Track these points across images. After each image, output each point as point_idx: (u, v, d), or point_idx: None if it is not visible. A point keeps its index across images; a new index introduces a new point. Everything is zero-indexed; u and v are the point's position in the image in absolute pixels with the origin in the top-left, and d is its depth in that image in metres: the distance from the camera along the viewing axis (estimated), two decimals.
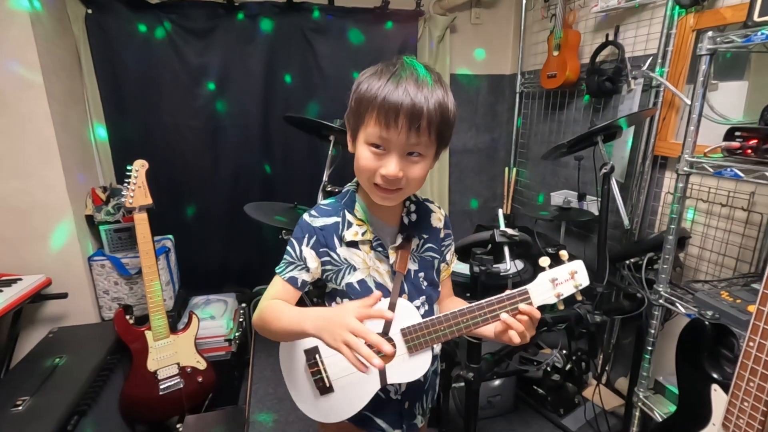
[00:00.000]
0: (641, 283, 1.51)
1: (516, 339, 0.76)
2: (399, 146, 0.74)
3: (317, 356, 0.88)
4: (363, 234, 0.86)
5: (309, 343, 0.88)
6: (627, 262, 1.61)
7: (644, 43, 1.82)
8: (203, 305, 2.30)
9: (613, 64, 1.89)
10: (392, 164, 0.74)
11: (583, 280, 0.77)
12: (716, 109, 1.53)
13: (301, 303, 0.87)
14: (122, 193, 1.74)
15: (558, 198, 2.14)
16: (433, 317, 0.80)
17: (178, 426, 1.81)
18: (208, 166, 2.35)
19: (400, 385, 0.92)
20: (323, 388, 0.89)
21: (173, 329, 1.85)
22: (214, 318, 2.17)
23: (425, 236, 0.92)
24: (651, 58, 1.74)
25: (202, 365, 1.87)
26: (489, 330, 0.83)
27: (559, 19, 2.07)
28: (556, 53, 2.13)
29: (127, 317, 1.76)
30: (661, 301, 1.32)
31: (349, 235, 0.85)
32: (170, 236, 2.28)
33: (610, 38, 1.93)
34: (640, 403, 1.43)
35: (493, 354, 1.49)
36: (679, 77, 1.67)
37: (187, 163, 2.31)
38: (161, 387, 1.78)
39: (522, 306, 0.76)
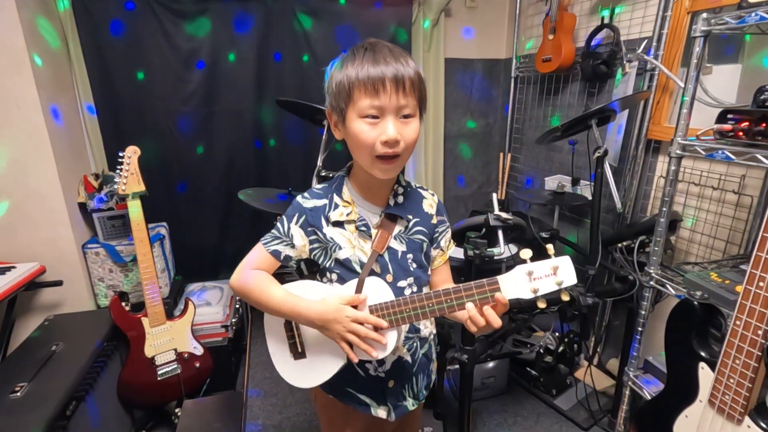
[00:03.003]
0: (633, 265, 1.53)
1: (473, 329, 0.78)
2: (392, 109, 0.78)
3: (293, 322, 0.92)
4: (348, 214, 0.90)
5: None
6: (619, 245, 1.63)
7: (639, 26, 1.81)
8: (199, 292, 2.31)
9: (608, 47, 1.88)
10: (390, 127, 0.78)
11: (567, 277, 0.70)
12: (710, 93, 1.53)
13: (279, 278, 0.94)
14: (115, 180, 1.72)
15: (552, 183, 2.15)
16: (399, 298, 0.81)
17: (176, 410, 1.83)
18: (201, 151, 2.33)
19: (382, 362, 0.94)
20: (297, 353, 0.94)
21: (169, 316, 1.85)
22: (211, 304, 2.18)
23: (414, 219, 0.93)
24: (646, 41, 1.73)
25: (199, 351, 1.89)
26: (457, 315, 0.82)
27: (555, 2, 2.04)
28: (551, 37, 2.11)
29: (123, 304, 1.76)
30: (652, 283, 1.34)
31: (334, 216, 0.89)
32: (164, 223, 2.27)
33: (606, 21, 1.92)
34: (630, 383, 1.47)
35: (488, 336, 1.51)
36: (674, 60, 1.66)
37: (179, 149, 2.29)
38: (159, 372, 1.79)
39: (486, 308, 0.75)
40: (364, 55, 0.79)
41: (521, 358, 2.01)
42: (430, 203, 0.97)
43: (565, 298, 0.72)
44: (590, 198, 1.85)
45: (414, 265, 0.93)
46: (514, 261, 1.44)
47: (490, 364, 1.93)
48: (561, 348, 1.94)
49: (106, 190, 1.96)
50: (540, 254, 0.74)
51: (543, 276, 0.71)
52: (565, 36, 2.06)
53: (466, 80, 2.75)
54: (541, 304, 0.74)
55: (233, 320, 2.15)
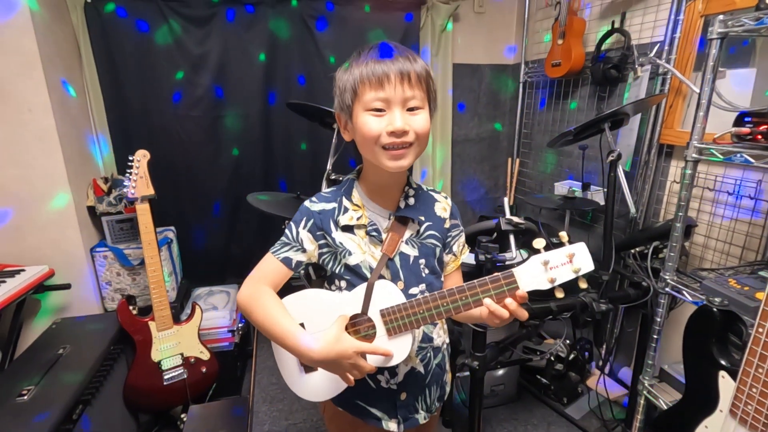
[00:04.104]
0: (647, 271, 1.50)
1: (495, 322, 0.75)
2: (398, 100, 0.77)
3: None
4: (358, 218, 0.87)
5: (296, 318, 0.88)
6: (632, 251, 1.61)
7: (651, 30, 1.79)
8: (206, 296, 2.30)
9: (619, 51, 1.87)
10: (397, 117, 0.77)
11: (584, 264, 0.68)
12: (724, 97, 1.51)
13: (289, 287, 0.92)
14: (124, 183, 1.73)
15: (562, 188, 2.13)
16: (412, 299, 0.78)
17: (182, 415, 1.82)
18: (209, 156, 2.33)
19: (394, 374, 0.91)
20: (307, 366, 0.90)
21: (176, 320, 1.84)
22: (217, 309, 2.17)
23: (426, 222, 0.90)
24: (658, 45, 1.72)
25: (205, 355, 1.88)
26: (475, 313, 0.79)
27: (564, 6, 2.04)
28: (560, 41, 2.10)
29: (131, 308, 1.76)
30: (667, 289, 1.31)
31: (344, 220, 0.87)
32: (172, 228, 2.27)
33: (616, 25, 1.91)
34: (645, 392, 1.43)
35: (498, 343, 1.49)
36: (687, 64, 1.65)
37: (188, 153, 2.29)
38: (165, 377, 1.78)
39: (507, 300, 0.72)
40: (369, 53, 0.79)
41: (531, 365, 1.98)
42: (443, 206, 0.95)
43: (583, 285, 0.69)
44: (601, 203, 1.83)
45: (426, 271, 0.90)
46: None
47: (500, 372, 1.90)
48: (572, 356, 1.91)
49: (115, 194, 1.96)
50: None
51: (559, 265, 0.68)
52: (575, 40, 2.05)
53: (473, 85, 2.74)
54: (559, 294, 0.70)
55: (240, 325, 2.14)
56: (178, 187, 2.32)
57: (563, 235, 0.69)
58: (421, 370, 0.93)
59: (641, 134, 1.83)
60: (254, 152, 2.39)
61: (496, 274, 0.71)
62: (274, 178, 2.46)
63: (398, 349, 0.80)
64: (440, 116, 2.63)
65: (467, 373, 1.49)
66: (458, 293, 0.74)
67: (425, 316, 0.77)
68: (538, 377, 1.99)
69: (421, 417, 0.96)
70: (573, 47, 2.04)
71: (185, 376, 1.82)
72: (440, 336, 0.97)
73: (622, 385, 2.00)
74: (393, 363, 0.81)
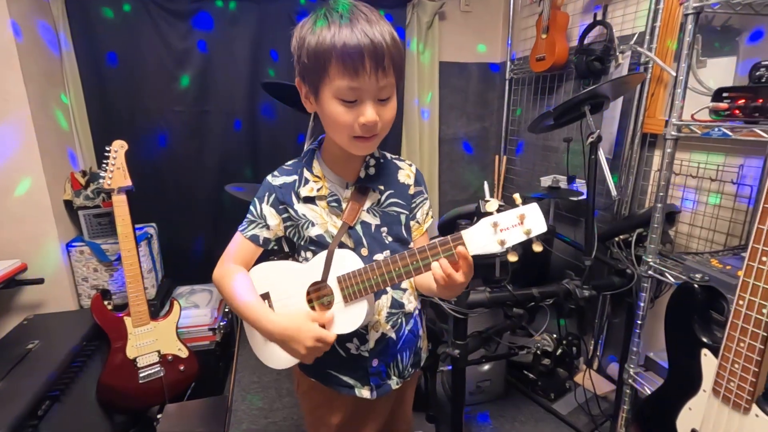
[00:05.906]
0: (631, 259, 1.48)
1: (440, 283, 0.72)
2: (371, 92, 0.74)
3: (267, 301, 0.89)
4: (318, 190, 0.87)
5: (262, 288, 0.89)
6: (616, 239, 1.58)
7: (632, 21, 1.80)
8: (188, 295, 2.25)
9: (602, 44, 1.87)
10: (369, 111, 0.75)
11: (535, 225, 0.65)
12: (704, 83, 1.51)
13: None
14: (101, 174, 1.69)
15: (547, 180, 2.12)
16: (367, 264, 0.78)
17: (158, 416, 1.75)
18: (192, 152, 2.30)
19: (364, 340, 0.90)
20: None
21: (154, 316, 1.79)
22: (198, 307, 2.12)
23: (387, 190, 0.90)
24: (637, 35, 1.72)
25: (183, 353, 1.82)
26: (430, 281, 0.78)
27: (547, 1, 2.05)
28: (544, 36, 2.11)
29: (105, 303, 1.70)
30: (650, 272, 1.29)
31: (304, 191, 0.87)
32: (153, 224, 2.23)
33: (599, 18, 1.91)
34: (630, 380, 1.39)
35: (481, 332, 1.45)
36: (667, 53, 1.65)
37: (170, 149, 2.26)
38: (141, 375, 1.72)
39: (433, 263, 0.71)
40: (340, 24, 0.70)
41: (518, 360, 1.94)
42: (407, 173, 0.94)
43: (537, 248, 0.67)
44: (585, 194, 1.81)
45: (390, 239, 0.90)
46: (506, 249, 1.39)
47: (486, 367, 1.85)
48: (559, 351, 1.87)
49: (92, 187, 1.92)
50: None
51: (510, 226, 0.66)
52: (559, 34, 2.06)
53: (461, 84, 2.74)
54: (512, 258, 0.69)
55: (222, 323, 2.09)
56: (160, 184, 2.29)
57: (516, 197, 0.67)
58: (393, 335, 0.92)
59: (623, 125, 1.82)
60: (238, 149, 2.36)
61: (446, 236, 0.71)
62: (257, 175, 2.43)
63: (354, 314, 0.79)
64: (428, 115, 2.62)
65: (450, 367, 1.44)
66: (409, 257, 0.74)
67: (379, 281, 0.76)
68: (525, 372, 1.94)
69: (394, 383, 0.95)
70: (557, 41, 2.05)
71: (162, 375, 1.76)
72: (411, 302, 0.95)
73: (611, 381, 1.96)
74: (351, 329, 0.80)
